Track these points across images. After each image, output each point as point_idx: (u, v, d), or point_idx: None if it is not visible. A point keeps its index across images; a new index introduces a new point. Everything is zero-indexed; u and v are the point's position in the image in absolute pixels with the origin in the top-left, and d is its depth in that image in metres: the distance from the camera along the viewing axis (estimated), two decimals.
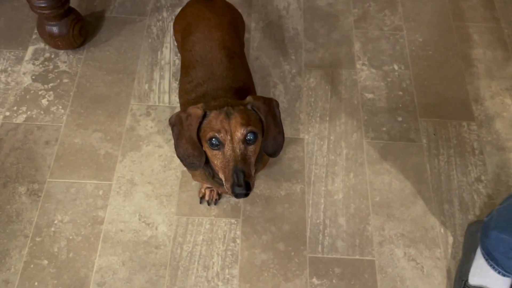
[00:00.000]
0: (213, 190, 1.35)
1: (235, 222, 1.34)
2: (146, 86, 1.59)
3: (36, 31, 1.69)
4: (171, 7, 1.81)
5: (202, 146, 0.95)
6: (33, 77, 1.59)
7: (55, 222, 1.32)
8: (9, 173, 1.39)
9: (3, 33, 1.70)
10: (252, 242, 1.31)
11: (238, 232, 1.33)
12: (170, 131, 1.48)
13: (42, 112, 1.52)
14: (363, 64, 1.69)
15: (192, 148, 0.95)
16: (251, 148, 0.91)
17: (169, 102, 1.56)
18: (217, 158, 0.92)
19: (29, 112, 1.51)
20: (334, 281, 1.26)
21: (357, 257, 1.30)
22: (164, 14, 1.79)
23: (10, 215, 1.33)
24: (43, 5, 1.44)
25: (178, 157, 0.98)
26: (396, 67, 1.68)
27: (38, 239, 1.29)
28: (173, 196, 1.38)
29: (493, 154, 1.49)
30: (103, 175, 1.40)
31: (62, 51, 1.66)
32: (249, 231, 1.33)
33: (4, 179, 1.38)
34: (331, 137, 1.51)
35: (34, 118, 1.50)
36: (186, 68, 1.17)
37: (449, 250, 1.31)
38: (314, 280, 1.26)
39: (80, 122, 1.50)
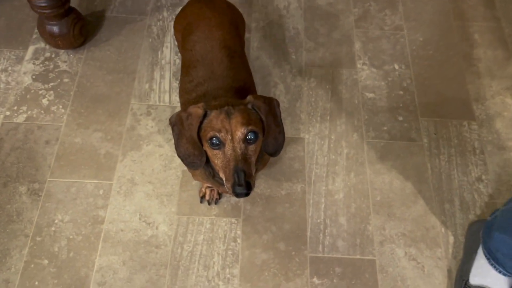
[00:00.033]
0: (213, 189, 1.35)
1: (236, 222, 1.34)
2: (147, 86, 1.59)
3: (36, 30, 1.69)
4: (171, 6, 1.81)
5: (202, 145, 0.95)
6: (34, 76, 1.59)
7: (56, 221, 1.32)
8: (9, 172, 1.39)
9: (4, 33, 1.70)
10: (253, 242, 1.31)
11: (239, 232, 1.33)
12: (170, 131, 1.48)
13: (42, 111, 1.52)
14: (364, 64, 1.69)
15: (193, 148, 0.95)
16: (251, 147, 0.91)
17: (170, 102, 1.56)
18: (217, 158, 0.92)
19: (29, 112, 1.51)
20: (334, 280, 1.26)
21: (358, 256, 1.30)
22: (165, 14, 1.79)
23: (11, 214, 1.33)
24: (43, 4, 1.44)
25: (179, 156, 0.97)
26: (396, 67, 1.68)
27: (38, 238, 1.29)
28: (174, 196, 1.38)
29: (493, 154, 1.49)
30: (104, 174, 1.40)
31: (62, 50, 1.66)
32: (250, 231, 1.33)
33: (5, 179, 1.38)
34: (332, 137, 1.51)
35: (35, 118, 1.50)
36: (186, 68, 1.17)
37: (450, 250, 1.31)
38: (315, 279, 1.26)
39: (80, 122, 1.50)
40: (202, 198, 1.36)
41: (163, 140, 1.48)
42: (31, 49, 1.66)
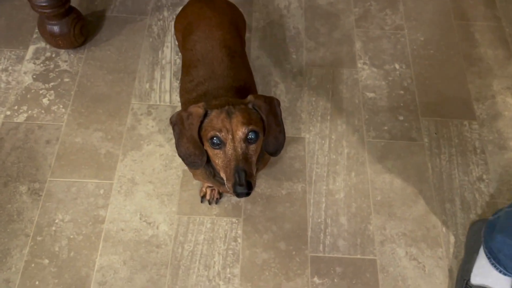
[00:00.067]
0: (214, 189, 1.35)
1: (236, 221, 1.34)
2: (147, 85, 1.59)
3: (37, 30, 1.69)
4: (172, 6, 1.81)
5: (203, 145, 0.95)
6: (34, 76, 1.59)
7: (56, 221, 1.32)
8: (10, 172, 1.39)
9: (4, 33, 1.70)
10: (253, 241, 1.31)
11: (239, 231, 1.33)
12: (171, 130, 1.48)
13: (43, 111, 1.52)
14: (364, 63, 1.68)
15: (193, 147, 0.95)
16: (252, 147, 0.91)
17: (170, 101, 1.56)
18: (218, 157, 0.91)
19: (30, 112, 1.51)
20: (335, 280, 1.26)
21: (359, 256, 1.30)
22: (165, 14, 1.78)
23: (11, 214, 1.33)
24: (44, 4, 1.44)
25: (179, 156, 0.97)
26: (397, 66, 1.68)
27: (39, 238, 1.29)
28: (174, 195, 1.38)
29: (494, 153, 1.49)
30: (104, 174, 1.40)
31: (63, 50, 1.66)
32: (250, 230, 1.33)
33: (5, 178, 1.38)
34: (332, 136, 1.51)
35: (35, 118, 1.50)
36: (187, 67, 1.17)
37: (451, 250, 1.31)
38: (316, 279, 1.26)
39: (81, 122, 1.50)
40: (203, 197, 1.36)
41: (163, 139, 1.48)
42: (31, 48, 1.66)
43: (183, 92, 1.15)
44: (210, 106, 0.93)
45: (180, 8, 1.42)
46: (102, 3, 1.80)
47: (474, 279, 1.19)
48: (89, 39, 1.69)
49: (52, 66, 1.62)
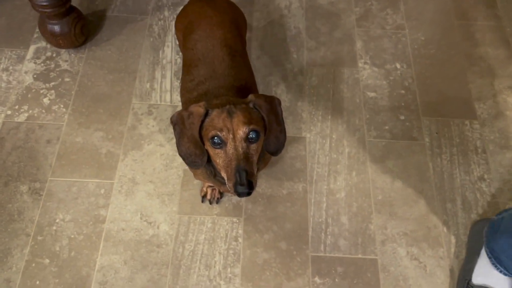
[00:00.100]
0: (215, 189, 1.35)
1: (237, 221, 1.34)
2: (148, 85, 1.59)
3: (37, 30, 1.69)
4: (172, 6, 1.81)
5: (204, 144, 0.95)
6: (35, 76, 1.59)
7: (57, 221, 1.32)
8: (10, 172, 1.39)
9: (5, 32, 1.70)
10: (254, 241, 1.31)
11: (240, 231, 1.32)
12: (171, 130, 1.48)
13: (43, 111, 1.51)
14: (365, 63, 1.68)
15: (194, 147, 0.95)
16: (253, 146, 0.91)
17: (171, 101, 1.56)
18: (219, 157, 0.91)
19: (30, 111, 1.51)
20: (336, 280, 1.26)
21: (360, 256, 1.30)
22: (166, 13, 1.78)
23: (12, 214, 1.33)
24: (44, 3, 1.44)
25: (180, 155, 0.97)
26: (398, 66, 1.68)
27: (39, 238, 1.29)
28: (175, 195, 1.37)
29: (496, 153, 1.48)
30: (105, 174, 1.40)
31: (63, 50, 1.66)
32: (251, 230, 1.33)
33: (6, 178, 1.38)
34: (333, 136, 1.50)
35: (36, 117, 1.50)
36: (187, 67, 1.17)
37: (452, 249, 1.31)
38: (317, 279, 1.26)
39: (81, 121, 1.50)
40: (204, 197, 1.36)
41: (164, 139, 1.47)
42: (32, 48, 1.66)
43: (184, 91, 1.15)
44: (211, 106, 0.93)
45: (180, 8, 1.42)
46: (102, 3, 1.80)
47: (476, 279, 1.19)
48: (89, 39, 1.69)
49: (52, 65, 1.62)
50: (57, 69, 1.61)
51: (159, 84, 1.60)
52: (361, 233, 1.33)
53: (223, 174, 0.92)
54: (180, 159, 1.42)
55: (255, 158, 0.92)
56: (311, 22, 1.79)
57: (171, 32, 1.73)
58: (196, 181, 1.40)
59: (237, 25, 1.26)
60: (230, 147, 0.89)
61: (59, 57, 1.64)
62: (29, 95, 1.55)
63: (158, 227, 1.32)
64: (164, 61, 1.65)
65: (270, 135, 0.96)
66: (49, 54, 1.65)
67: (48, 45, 1.66)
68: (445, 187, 1.41)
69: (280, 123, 0.98)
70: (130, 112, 1.53)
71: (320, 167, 1.44)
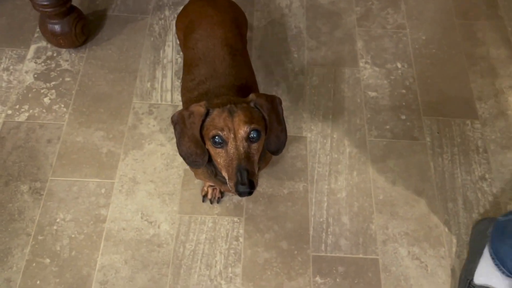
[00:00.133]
0: (215, 188, 1.35)
1: (238, 221, 1.34)
2: (148, 85, 1.59)
3: (38, 29, 1.68)
4: (173, 5, 1.80)
5: (204, 144, 0.94)
6: (35, 75, 1.59)
7: (58, 220, 1.32)
8: (11, 171, 1.39)
9: (5, 32, 1.70)
10: (255, 241, 1.31)
11: (241, 231, 1.32)
12: (172, 130, 1.48)
13: (44, 110, 1.51)
14: (366, 62, 1.68)
15: (195, 146, 0.94)
16: (254, 146, 0.91)
17: (172, 100, 1.56)
18: (220, 156, 0.91)
19: (31, 111, 1.51)
20: (337, 280, 1.26)
21: (361, 255, 1.29)
22: (166, 13, 1.78)
23: (12, 213, 1.32)
24: (45, 3, 1.44)
25: (181, 155, 0.97)
26: (399, 65, 1.67)
27: (40, 237, 1.29)
28: (176, 195, 1.37)
29: (497, 153, 1.48)
30: (105, 173, 1.40)
31: (64, 49, 1.66)
32: (252, 230, 1.33)
33: (6, 178, 1.38)
34: (334, 135, 1.50)
35: (36, 117, 1.50)
36: (188, 66, 1.16)
37: (453, 249, 1.31)
38: (318, 279, 1.26)
39: (82, 121, 1.50)
40: (204, 197, 1.36)
41: (165, 139, 1.47)
42: (32, 48, 1.66)
43: (185, 91, 1.15)
44: (212, 105, 0.93)
45: (181, 7, 1.42)
46: (103, 2, 1.80)
47: (478, 279, 1.18)
48: (90, 38, 1.69)
49: (53, 65, 1.62)
50: (58, 69, 1.61)
51: (159, 83, 1.59)
52: (362, 233, 1.33)
53: (224, 174, 0.92)
54: (180, 159, 1.42)
55: (256, 158, 0.91)
56: (312, 22, 1.79)
57: (172, 32, 1.72)
58: (197, 181, 1.39)
59: (237, 24, 1.25)
60: (231, 147, 0.88)
61: (59, 56, 1.64)
62: (29, 95, 1.55)
63: (158, 227, 1.32)
64: (165, 61, 1.65)
65: (271, 135, 0.96)
66: (49, 53, 1.65)
67: (49, 45, 1.66)
68: (446, 187, 1.41)
69: (281, 122, 0.98)
70: (130, 112, 1.53)
71: (321, 167, 1.44)
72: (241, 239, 1.31)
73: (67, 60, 1.63)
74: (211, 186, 1.34)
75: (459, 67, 1.68)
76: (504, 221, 1.14)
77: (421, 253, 1.30)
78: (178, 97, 1.56)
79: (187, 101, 1.12)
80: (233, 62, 1.13)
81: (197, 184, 1.39)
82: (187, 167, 1.39)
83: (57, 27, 1.54)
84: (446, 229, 1.34)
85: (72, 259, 1.26)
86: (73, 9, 1.56)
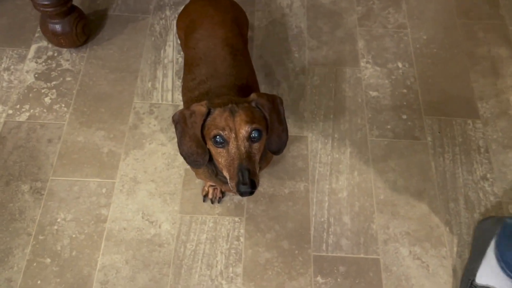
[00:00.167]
0: (216, 188, 1.35)
1: (239, 221, 1.34)
2: (149, 84, 1.59)
3: (39, 29, 1.68)
4: (174, 5, 1.80)
5: (206, 143, 0.94)
6: (36, 75, 1.59)
7: (58, 220, 1.32)
8: (12, 171, 1.39)
9: (6, 32, 1.70)
10: (256, 241, 1.31)
11: (242, 231, 1.32)
12: (173, 129, 1.48)
13: (45, 110, 1.51)
14: (367, 62, 1.68)
15: (196, 146, 0.94)
16: (255, 145, 0.90)
17: (172, 100, 1.55)
18: (221, 156, 0.91)
19: (32, 110, 1.51)
20: (338, 279, 1.26)
21: (362, 255, 1.29)
22: (167, 12, 1.78)
23: (13, 213, 1.32)
24: (46, 3, 1.43)
25: (182, 155, 0.97)
26: (400, 65, 1.67)
27: (41, 237, 1.29)
28: (177, 194, 1.37)
29: (498, 152, 1.48)
30: (106, 173, 1.40)
31: (65, 49, 1.66)
32: (253, 229, 1.32)
33: (7, 177, 1.38)
34: (335, 135, 1.50)
35: (37, 116, 1.50)
36: (189, 66, 1.16)
37: (455, 249, 1.30)
38: (319, 278, 1.26)
39: (83, 120, 1.50)
40: (205, 196, 1.36)
41: (165, 138, 1.47)
42: (33, 47, 1.66)
43: (186, 90, 1.15)
44: (213, 105, 0.93)
45: (182, 7, 1.41)
46: (104, 2, 1.80)
47: (480, 279, 1.18)
48: (91, 38, 1.69)
49: (54, 65, 1.62)
50: (59, 69, 1.61)
51: (160, 83, 1.59)
52: (363, 233, 1.33)
53: (225, 174, 0.92)
54: (181, 159, 1.41)
55: (257, 157, 0.91)
56: (313, 21, 1.78)
57: (173, 31, 1.72)
58: (198, 181, 1.39)
59: (238, 24, 1.25)
60: (232, 146, 0.88)
61: (60, 56, 1.64)
62: (30, 95, 1.55)
63: (159, 227, 1.32)
64: (166, 60, 1.65)
65: (272, 134, 0.96)
66: (50, 53, 1.65)
67: (50, 45, 1.66)
68: (447, 187, 1.41)
69: (282, 122, 0.98)
70: (131, 112, 1.52)
71: (322, 167, 1.44)
72: (242, 239, 1.31)
73: (68, 60, 1.63)
74: (212, 186, 1.34)
75: (461, 66, 1.67)
76: None
77: (422, 253, 1.30)
78: (179, 97, 1.56)
79: (188, 101, 1.12)
80: (234, 62, 1.12)
81: (198, 184, 1.39)
82: (188, 167, 1.39)
83: (58, 27, 1.54)
84: (448, 229, 1.34)
85: (73, 259, 1.26)
86: (74, 8, 1.55)
